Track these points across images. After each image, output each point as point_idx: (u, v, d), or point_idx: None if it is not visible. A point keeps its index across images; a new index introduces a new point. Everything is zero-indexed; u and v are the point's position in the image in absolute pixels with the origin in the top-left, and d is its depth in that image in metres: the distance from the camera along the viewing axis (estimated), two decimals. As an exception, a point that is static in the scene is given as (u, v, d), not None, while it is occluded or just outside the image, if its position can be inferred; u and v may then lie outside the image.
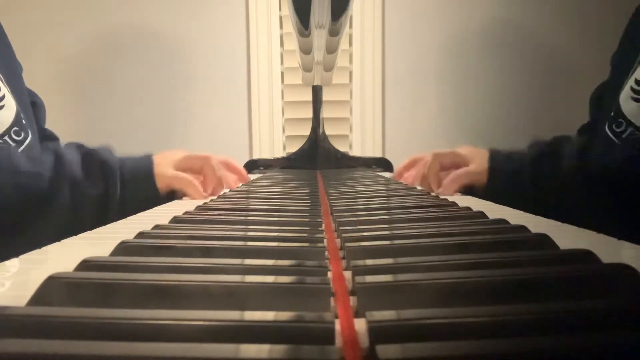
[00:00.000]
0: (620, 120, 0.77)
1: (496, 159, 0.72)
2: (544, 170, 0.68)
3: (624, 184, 0.62)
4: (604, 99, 0.87)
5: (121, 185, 0.67)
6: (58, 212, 0.63)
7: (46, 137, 0.88)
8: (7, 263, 0.31)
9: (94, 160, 0.67)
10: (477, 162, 0.72)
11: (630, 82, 0.77)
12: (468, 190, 0.73)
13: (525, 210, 0.52)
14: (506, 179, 0.70)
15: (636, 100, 0.76)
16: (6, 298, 0.24)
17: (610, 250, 0.32)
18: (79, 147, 0.69)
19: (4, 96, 0.75)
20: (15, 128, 0.75)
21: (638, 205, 0.60)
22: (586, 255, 0.27)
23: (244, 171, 0.89)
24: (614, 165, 0.63)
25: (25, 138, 0.76)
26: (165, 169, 0.71)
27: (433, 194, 0.75)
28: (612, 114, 0.79)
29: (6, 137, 0.73)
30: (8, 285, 0.26)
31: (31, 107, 0.86)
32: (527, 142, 0.75)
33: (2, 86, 0.76)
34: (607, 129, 0.79)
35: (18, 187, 0.61)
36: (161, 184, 0.70)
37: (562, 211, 0.65)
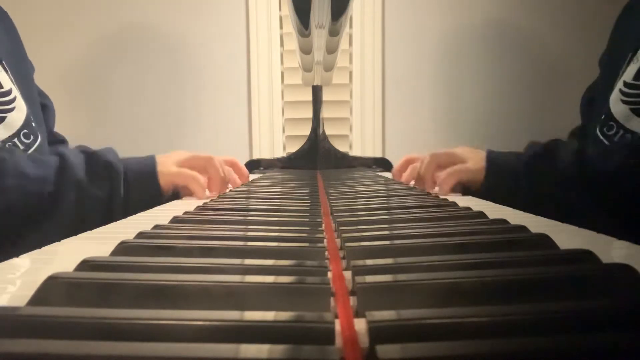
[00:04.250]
0: (611, 123, 0.77)
1: (493, 158, 0.72)
2: (540, 170, 0.68)
3: (620, 187, 0.62)
4: (594, 101, 0.87)
5: (125, 186, 0.67)
6: (63, 214, 0.63)
7: (56, 141, 0.88)
8: (7, 263, 0.31)
9: (98, 162, 0.67)
10: (474, 161, 0.72)
11: (619, 85, 0.77)
12: (465, 190, 0.73)
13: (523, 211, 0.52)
14: (502, 178, 0.70)
15: (625, 102, 0.76)
16: (6, 298, 0.24)
17: (610, 250, 0.32)
18: (83, 149, 0.69)
19: (15, 98, 0.75)
20: (25, 131, 0.75)
21: (633, 207, 0.60)
22: (586, 255, 0.27)
23: (247, 173, 0.89)
24: (610, 168, 0.63)
25: (35, 141, 0.76)
26: (168, 167, 0.71)
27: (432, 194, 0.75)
28: (603, 116, 0.79)
29: (15, 140, 0.73)
30: (8, 285, 0.26)
31: (42, 109, 0.86)
32: (525, 142, 0.75)
33: (13, 88, 0.76)
34: (598, 132, 0.79)
35: (24, 191, 0.61)
36: (164, 183, 0.70)
37: (557, 212, 0.66)
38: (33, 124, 0.77)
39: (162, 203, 0.70)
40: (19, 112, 0.75)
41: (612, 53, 0.87)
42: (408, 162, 0.86)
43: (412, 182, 0.83)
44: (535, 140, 0.73)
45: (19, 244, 0.62)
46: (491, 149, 0.74)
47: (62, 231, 0.62)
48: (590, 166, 0.65)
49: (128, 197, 0.68)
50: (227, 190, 0.76)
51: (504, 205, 0.56)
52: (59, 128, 0.94)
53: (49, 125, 0.88)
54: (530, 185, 0.68)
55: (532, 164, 0.69)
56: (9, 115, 0.73)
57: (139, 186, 0.68)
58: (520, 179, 0.69)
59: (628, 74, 0.76)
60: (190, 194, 0.71)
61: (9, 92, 0.74)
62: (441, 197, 0.61)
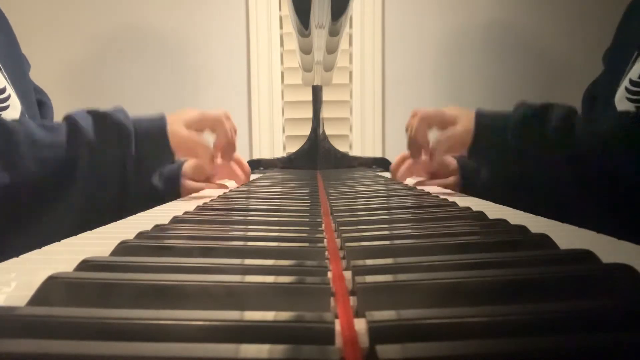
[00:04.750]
0: None
1: (482, 117, 0.72)
2: (530, 130, 0.68)
3: (611, 151, 0.61)
4: (596, 99, 0.87)
5: (136, 145, 0.67)
6: (80, 179, 0.63)
7: None
8: (7, 263, 0.31)
9: (108, 124, 0.66)
10: (463, 123, 0.72)
11: (625, 83, 0.77)
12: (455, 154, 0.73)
13: (510, 176, 0.51)
14: (491, 138, 0.70)
15: (631, 100, 0.75)
16: (6, 298, 0.24)
17: (610, 250, 0.32)
18: (90, 111, 0.68)
19: (9, 96, 0.75)
20: None
21: (618, 176, 0.60)
22: (586, 255, 0.27)
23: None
24: (600, 130, 0.63)
25: (46, 122, 0.76)
26: (178, 127, 0.70)
27: (426, 183, 0.76)
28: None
29: None
30: (8, 285, 0.26)
31: (38, 106, 0.86)
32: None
33: (7, 86, 0.75)
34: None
35: (40, 158, 0.61)
36: (174, 144, 0.69)
37: (545, 177, 0.65)
38: (35, 121, 0.77)
39: (175, 163, 0.71)
40: (13, 110, 0.75)
41: (618, 50, 0.86)
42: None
43: (410, 180, 0.83)
44: (524, 100, 0.72)
45: (42, 214, 0.61)
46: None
47: (82, 197, 0.62)
48: (580, 128, 0.64)
49: (139, 156, 0.67)
50: (227, 190, 0.76)
51: (492, 168, 0.56)
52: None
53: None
54: (518, 147, 0.68)
55: (520, 126, 0.68)
56: (3, 113, 0.72)
57: (149, 145, 0.68)
58: (509, 140, 0.68)
59: (634, 72, 0.76)
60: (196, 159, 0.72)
61: (3, 90, 0.74)
62: (441, 197, 0.61)
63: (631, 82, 0.76)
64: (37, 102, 0.86)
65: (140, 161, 0.67)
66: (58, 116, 0.95)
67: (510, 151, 0.68)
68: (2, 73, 0.76)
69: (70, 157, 0.63)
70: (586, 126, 0.64)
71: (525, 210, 0.50)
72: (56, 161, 0.62)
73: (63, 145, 0.63)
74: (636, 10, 0.86)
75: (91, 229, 0.42)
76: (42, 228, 0.59)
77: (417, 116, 0.77)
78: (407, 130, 0.81)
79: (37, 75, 0.92)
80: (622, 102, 0.76)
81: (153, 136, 0.68)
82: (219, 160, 0.75)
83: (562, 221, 0.43)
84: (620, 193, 0.60)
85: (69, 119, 0.65)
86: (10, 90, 0.76)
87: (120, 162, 0.65)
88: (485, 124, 0.71)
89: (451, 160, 0.80)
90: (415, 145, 0.77)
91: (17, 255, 0.32)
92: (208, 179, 0.81)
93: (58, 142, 0.63)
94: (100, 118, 0.66)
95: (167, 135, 0.68)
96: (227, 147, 0.74)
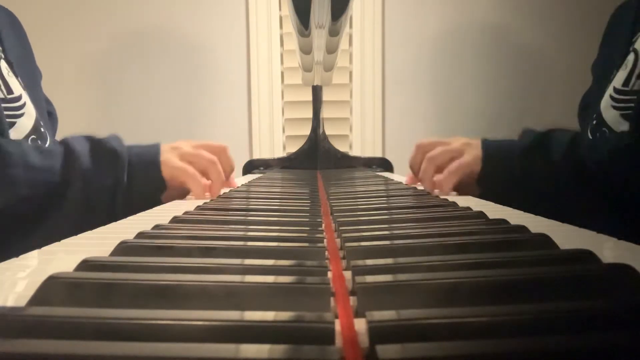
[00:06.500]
0: (604, 129, 0.77)
1: (488, 148, 0.72)
2: (534, 160, 0.68)
3: (611, 177, 0.62)
4: (588, 108, 0.88)
5: (128, 172, 0.67)
6: (71, 204, 0.63)
7: None
8: (7, 263, 0.31)
9: (103, 150, 0.66)
10: (470, 153, 0.72)
11: (610, 90, 0.77)
12: (464, 187, 0.73)
13: (517, 201, 0.52)
14: (498, 168, 0.70)
15: (615, 108, 0.76)
16: (6, 298, 0.24)
17: (610, 250, 0.32)
18: (87, 137, 0.68)
19: (24, 104, 0.75)
20: (33, 136, 0.75)
21: (624, 197, 0.61)
22: (586, 255, 0.27)
23: (232, 165, 0.83)
24: (601, 157, 0.64)
25: (43, 146, 0.76)
26: (172, 159, 0.69)
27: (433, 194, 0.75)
28: (595, 122, 0.79)
29: None
30: (8, 285, 0.26)
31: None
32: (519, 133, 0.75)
33: (23, 94, 0.76)
34: (590, 137, 0.79)
35: (32, 182, 0.61)
36: (167, 174, 0.69)
37: (552, 201, 0.66)
38: (42, 129, 0.77)
39: (168, 194, 0.70)
40: (29, 118, 0.75)
41: (603, 59, 0.87)
42: (420, 149, 0.79)
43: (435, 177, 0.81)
44: (529, 127, 0.73)
45: (29, 234, 0.62)
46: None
47: (70, 222, 0.62)
48: (582, 156, 0.65)
49: (131, 184, 0.67)
50: (227, 191, 0.75)
51: (500, 195, 0.56)
52: (62, 127, 0.94)
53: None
54: (525, 175, 0.68)
55: (526, 153, 0.69)
56: (18, 120, 0.73)
57: (141, 174, 0.68)
58: (515, 168, 0.69)
59: (618, 80, 0.76)
60: (188, 188, 0.71)
61: (19, 98, 0.74)
62: (441, 197, 0.61)
63: (615, 90, 0.76)
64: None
65: (131, 189, 0.67)
66: (62, 118, 0.95)
67: (517, 178, 0.69)
68: (19, 80, 0.77)
69: (63, 181, 0.63)
70: (588, 153, 0.65)
71: (525, 211, 0.50)
72: (48, 185, 0.62)
73: (57, 169, 0.63)
74: (619, 20, 0.87)
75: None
76: (29, 249, 0.59)
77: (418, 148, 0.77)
78: (411, 168, 0.80)
79: (45, 78, 0.92)
80: (607, 109, 0.77)
81: (145, 164, 0.68)
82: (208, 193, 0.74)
83: (562, 221, 0.43)
84: (620, 195, 0.61)
85: (65, 144, 0.66)
86: (26, 98, 0.76)
87: (111, 189, 0.66)
88: (492, 151, 0.71)
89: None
90: (415, 169, 0.77)
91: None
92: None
93: (52, 166, 0.63)
94: (95, 145, 0.67)
95: (159, 165, 0.68)
96: (220, 189, 0.73)
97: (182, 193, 0.72)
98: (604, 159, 0.64)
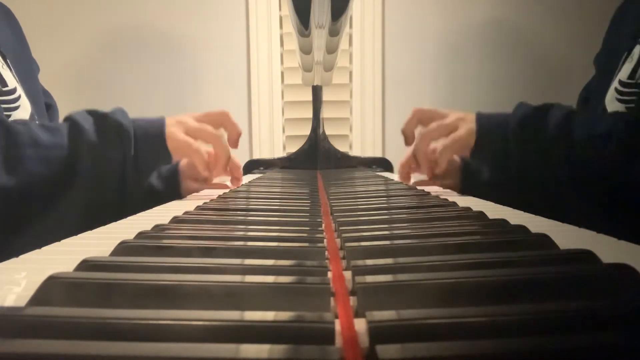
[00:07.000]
0: None
1: (483, 119, 0.71)
2: (529, 132, 0.68)
3: (607, 153, 0.62)
4: (589, 100, 0.87)
5: (134, 145, 0.67)
6: (82, 179, 0.63)
7: None
8: (7, 263, 0.31)
9: (108, 124, 0.66)
10: (465, 127, 0.72)
11: (615, 84, 0.77)
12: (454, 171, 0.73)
13: (511, 177, 0.51)
14: (493, 139, 0.70)
15: (621, 101, 0.76)
16: (6, 298, 0.24)
17: (610, 250, 0.32)
18: (91, 112, 0.68)
19: (19, 97, 0.75)
20: None
21: (619, 172, 0.60)
22: (586, 255, 0.27)
23: (239, 132, 0.81)
24: (597, 132, 0.63)
25: (48, 123, 0.76)
26: (176, 131, 0.70)
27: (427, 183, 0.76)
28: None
29: None
30: (8, 285, 0.26)
31: (46, 108, 0.86)
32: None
33: (18, 86, 0.76)
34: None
35: (43, 159, 0.61)
36: (172, 147, 0.69)
37: (545, 175, 0.66)
38: (37, 123, 0.77)
39: (186, 185, 0.72)
40: (24, 111, 0.75)
41: (607, 52, 0.87)
42: (416, 116, 0.79)
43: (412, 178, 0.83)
44: (525, 102, 0.72)
45: (45, 216, 0.62)
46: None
47: (83, 199, 0.63)
48: (577, 130, 0.65)
49: (138, 156, 0.67)
50: (227, 191, 0.75)
51: (494, 168, 0.55)
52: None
53: None
54: (519, 147, 0.68)
55: (520, 126, 0.68)
56: (13, 113, 0.73)
57: (147, 145, 0.68)
58: (509, 141, 0.68)
59: (623, 73, 0.76)
60: (192, 161, 0.72)
61: (13, 91, 0.74)
62: (441, 197, 0.61)
63: (620, 83, 0.76)
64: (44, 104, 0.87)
65: (139, 161, 0.67)
66: (60, 115, 0.95)
67: (511, 151, 0.68)
68: (13, 73, 0.77)
69: (71, 157, 0.63)
70: (583, 128, 0.65)
71: (525, 210, 0.50)
72: (58, 161, 0.62)
73: (65, 145, 0.63)
74: (624, 13, 0.87)
75: (92, 228, 0.42)
76: (45, 228, 0.59)
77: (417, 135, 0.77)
78: (402, 132, 0.81)
79: (41, 75, 0.92)
80: (612, 102, 0.77)
81: (151, 137, 0.68)
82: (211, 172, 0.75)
83: (562, 221, 0.43)
84: (618, 193, 0.60)
85: (70, 120, 0.65)
86: (20, 91, 0.76)
87: (120, 162, 0.66)
88: (486, 125, 0.71)
89: (454, 160, 0.80)
90: (418, 162, 0.77)
91: (17, 255, 0.32)
92: (205, 179, 0.81)
93: (60, 142, 0.63)
94: (100, 118, 0.66)
95: (165, 137, 0.68)
96: (223, 164, 0.74)
97: (194, 177, 0.74)
98: (600, 133, 0.63)
